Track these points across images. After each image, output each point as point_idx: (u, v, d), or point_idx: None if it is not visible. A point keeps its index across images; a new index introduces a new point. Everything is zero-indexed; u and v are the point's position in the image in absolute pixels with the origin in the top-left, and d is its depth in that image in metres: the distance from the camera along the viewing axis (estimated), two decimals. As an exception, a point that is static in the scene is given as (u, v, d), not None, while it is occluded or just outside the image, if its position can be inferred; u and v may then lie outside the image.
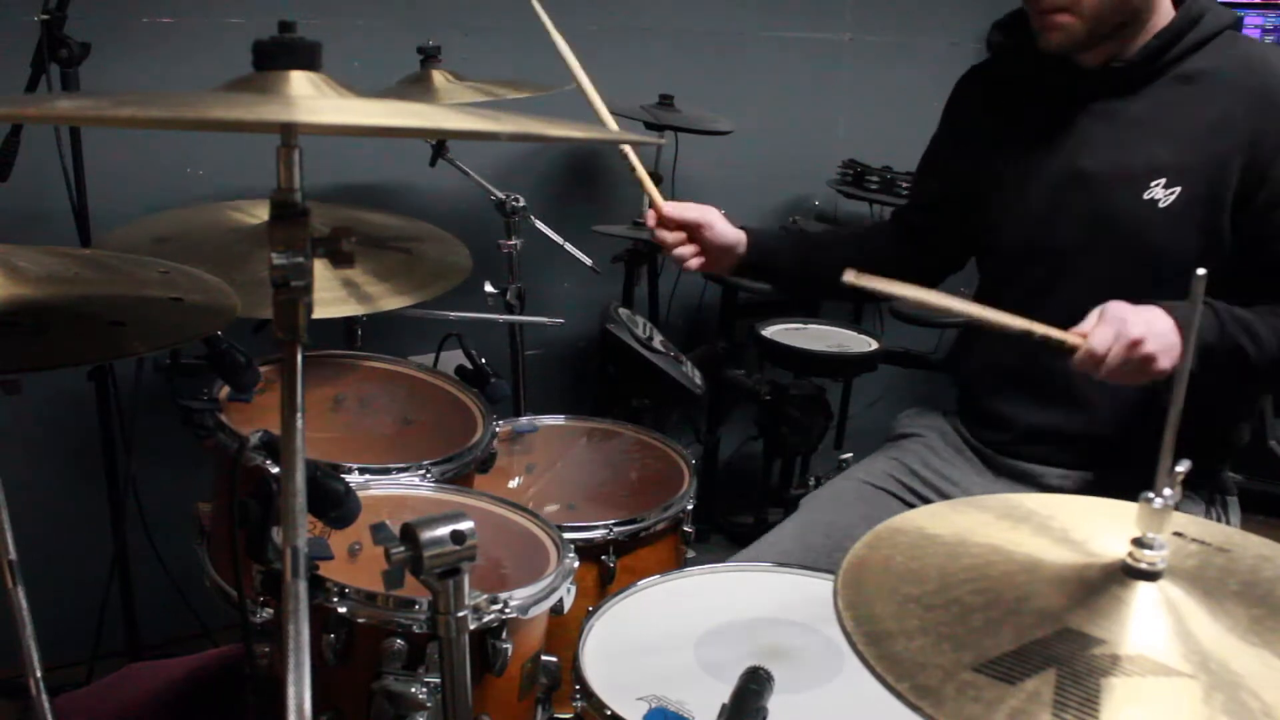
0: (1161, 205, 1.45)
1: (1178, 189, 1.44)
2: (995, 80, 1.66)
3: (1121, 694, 0.68)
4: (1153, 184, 1.46)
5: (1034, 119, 1.57)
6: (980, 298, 1.69)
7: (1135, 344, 1.29)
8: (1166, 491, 0.77)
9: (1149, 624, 0.74)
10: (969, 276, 1.82)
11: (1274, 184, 1.41)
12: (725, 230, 1.64)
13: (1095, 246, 1.51)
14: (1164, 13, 1.48)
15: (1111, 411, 1.53)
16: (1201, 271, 0.82)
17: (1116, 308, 1.32)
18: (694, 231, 1.62)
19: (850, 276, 1.20)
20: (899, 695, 0.69)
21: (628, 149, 1.57)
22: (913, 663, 0.72)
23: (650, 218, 1.62)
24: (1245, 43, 1.49)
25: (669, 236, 1.61)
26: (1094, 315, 1.33)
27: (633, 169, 1.58)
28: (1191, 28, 1.46)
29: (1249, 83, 1.43)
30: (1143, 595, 0.76)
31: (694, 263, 1.63)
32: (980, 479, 1.66)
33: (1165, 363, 1.30)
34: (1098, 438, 1.55)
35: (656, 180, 2.47)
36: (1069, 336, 1.32)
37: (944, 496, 1.64)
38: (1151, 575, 0.77)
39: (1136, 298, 1.41)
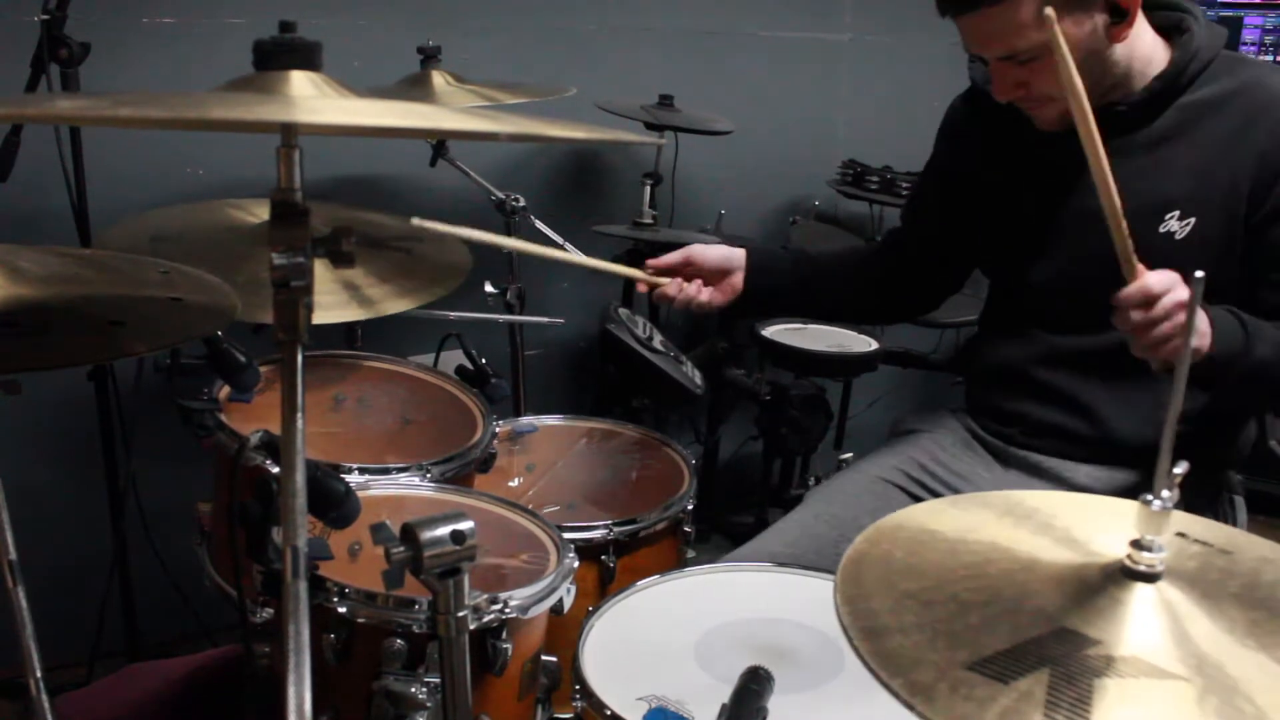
0: (1178, 237, 1.44)
1: (1192, 220, 1.43)
2: (989, 109, 1.55)
3: (1114, 695, 0.68)
4: (1167, 217, 1.44)
5: (1038, 154, 1.53)
6: (995, 324, 1.69)
7: (1183, 307, 1.23)
8: (1165, 493, 0.76)
9: (1146, 625, 0.74)
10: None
11: (1276, 199, 1.40)
12: (712, 252, 1.64)
13: (1117, 283, 1.50)
14: (1156, 49, 1.46)
15: (1115, 414, 1.54)
16: (1200, 274, 0.82)
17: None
18: (685, 270, 1.63)
19: None
20: (892, 691, 0.69)
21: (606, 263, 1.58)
22: (907, 659, 0.72)
23: (642, 288, 1.64)
24: (1242, 65, 1.47)
25: (669, 287, 1.62)
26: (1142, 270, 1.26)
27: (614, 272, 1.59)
28: (1191, 61, 1.44)
29: (1252, 107, 1.42)
30: (1140, 597, 0.76)
31: (704, 295, 1.63)
32: (989, 474, 1.65)
33: (1195, 343, 1.26)
34: (1105, 438, 1.55)
35: (657, 181, 2.47)
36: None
37: (953, 491, 1.64)
38: (1150, 577, 0.77)
39: None
